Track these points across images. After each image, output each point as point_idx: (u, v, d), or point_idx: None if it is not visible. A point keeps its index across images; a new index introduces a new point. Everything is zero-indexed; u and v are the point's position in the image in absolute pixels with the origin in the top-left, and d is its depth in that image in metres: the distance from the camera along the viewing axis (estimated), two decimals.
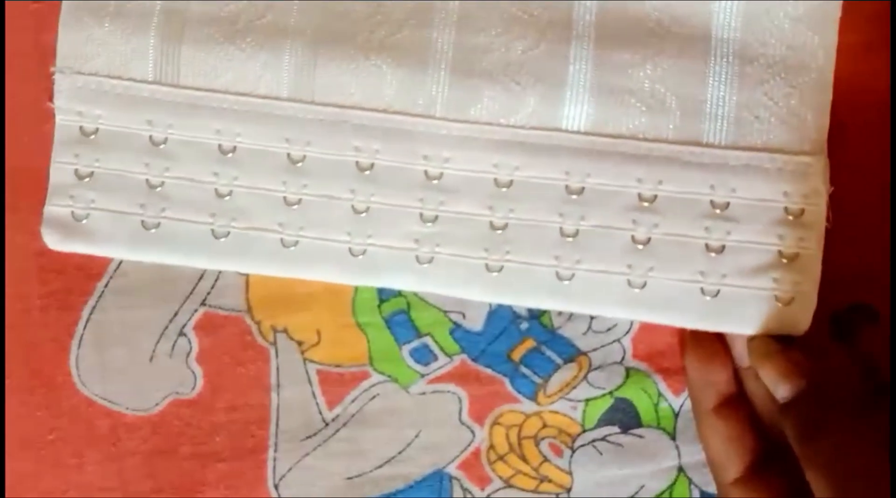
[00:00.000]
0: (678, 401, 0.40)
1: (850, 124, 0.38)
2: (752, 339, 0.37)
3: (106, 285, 0.40)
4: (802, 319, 0.37)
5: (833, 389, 0.35)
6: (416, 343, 0.40)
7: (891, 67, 0.39)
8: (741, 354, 0.38)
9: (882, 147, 0.39)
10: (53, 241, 0.38)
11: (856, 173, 0.38)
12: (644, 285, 0.37)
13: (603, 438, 0.40)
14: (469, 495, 0.40)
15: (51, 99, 0.38)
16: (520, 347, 0.40)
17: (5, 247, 0.39)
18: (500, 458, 0.40)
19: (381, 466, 0.40)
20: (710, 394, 0.38)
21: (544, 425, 0.40)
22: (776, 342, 0.37)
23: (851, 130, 0.38)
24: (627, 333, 0.40)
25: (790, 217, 0.37)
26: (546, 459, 0.40)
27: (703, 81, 0.37)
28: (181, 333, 0.40)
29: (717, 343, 0.38)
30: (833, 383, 0.35)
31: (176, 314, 0.40)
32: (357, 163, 0.38)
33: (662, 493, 0.40)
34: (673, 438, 0.40)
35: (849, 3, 0.37)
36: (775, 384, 0.36)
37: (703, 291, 0.37)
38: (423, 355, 0.40)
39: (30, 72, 0.39)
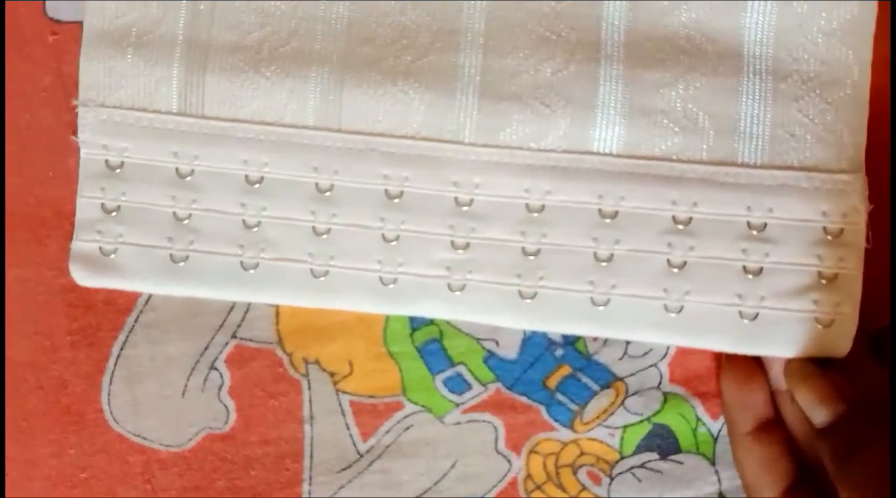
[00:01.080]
0: (717, 425, 0.39)
1: (887, 138, 0.38)
2: (789, 362, 0.37)
3: (136, 320, 0.39)
4: (843, 341, 0.36)
5: (870, 412, 0.34)
6: (449, 372, 0.39)
7: (891, 68, 0.38)
8: (778, 376, 0.37)
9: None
10: (81, 277, 0.38)
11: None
12: (681, 309, 0.37)
13: (642, 465, 0.39)
14: None
15: (75, 132, 0.38)
16: (555, 374, 0.39)
17: (33, 282, 0.39)
18: (538, 487, 0.40)
19: None
20: (746, 417, 0.37)
21: (582, 453, 0.40)
22: (813, 365, 0.36)
23: (888, 145, 0.38)
24: (664, 357, 0.39)
25: (829, 237, 0.36)
26: (584, 488, 0.40)
27: (737, 99, 0.37)
28: (212, 367, 0.40)
29: (753, 365, 0.38)
30: (870, 406, 0.35)
31: (207, 348, 0.39)
32: (386, 191, 0.37)
33: None
34: (712, 463, 0.39)
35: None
36: (812, 409, 0.35)
37: (741, 315, 0.37)
38: (458, 384, 0.40)
39: (52, 105, 0.39)
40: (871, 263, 0.36)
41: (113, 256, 0.38)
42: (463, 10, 0.37)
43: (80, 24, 0.38)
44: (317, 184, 0.37)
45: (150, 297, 0.39)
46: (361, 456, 0.40)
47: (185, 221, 0.38)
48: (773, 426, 0.37)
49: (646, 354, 0.39)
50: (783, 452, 0.37)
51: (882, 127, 0.37)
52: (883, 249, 0.37)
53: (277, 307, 0.39)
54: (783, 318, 0.36)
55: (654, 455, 0.39)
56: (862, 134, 0.37)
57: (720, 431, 0.39)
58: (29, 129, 0.39)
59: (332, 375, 0.40)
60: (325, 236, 0.37)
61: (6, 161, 0.39)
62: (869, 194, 0.36)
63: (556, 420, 0.39)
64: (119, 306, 0.39)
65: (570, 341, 0.39)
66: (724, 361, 0.38)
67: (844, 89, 0.37)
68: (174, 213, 0.38)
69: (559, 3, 0.37)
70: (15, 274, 0.39)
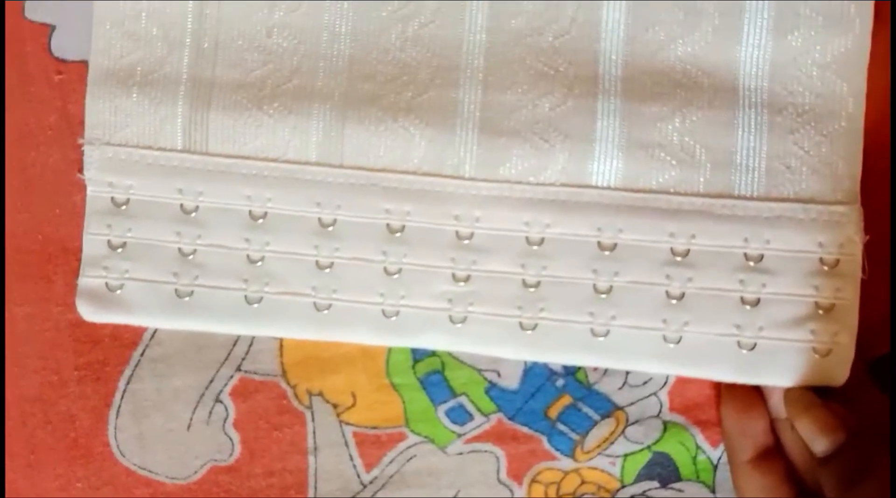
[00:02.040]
0: (716, 453, 0.40)
1: (882, 169, 0.38)
2: (789, 391, 0.37)
3: (142, 354, 0.40)
4: (840, 370, 0.37)
5: (871, 441, 0.35)
6: (451, 403, 0.40)
7: (891, 68, 0.38)
8: (777, 405, 0.37)
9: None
10: (88, 313, 0.38)
11: (889, 219, 0.38)
12: (679, 340, 0.37)
13: (642, 494, 0.40)
14: None
15: (81, 170, 0.38)
16: (556, 403, 0.40)
17: (41, 318, 0.40)
18: None
19: None
20: (746, 445, 0.38)
21: (583, 482, 0.40)
22: (814, 395, 0.36)
23: (882, 176, 0.38)
24: (664, 386, 0.40)
25: (825, 267, 0.37)
26: None
27: (733, 132, 0.37)
28: (217, 400, 0.40)
29: (753, 394, 0.38)
30: (871, 435, 0.35)
31: (212, 381, 0.40)
32: (388, 225, 0.38)
33: None
34: (713, 490, 0.40)
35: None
36: (813, 438, 0.35)
37: (739, 345, 0.37)
38: (460, 415, 0.40)
39: (58, 143, 0.39)
40: (867, 293, 0.37)
41: (119, 291, 0.38)
42: (462, 46, 0.38)
43: (85, 63, 0.38)
44: (320, 219, 0.38)
45: (155, 331, 0.40)
46: (365, 486, 0.40)
47: (190, 257, 0.38)
48: (773, 454, 0.38)
49: (645, 383, 0.40)
50: (783, 479, 0.37)
51: (877, 158, 0.38)
52: (879, 280, 0.37)
53: (281, 340, 0.40)
54: (781, 347, 0.37)
55: (655, 483, 0.40)
56: (857, 165, 0.37)
57: (720, 458, 0.40)
58: (35, 167, 0.39)
59: (335, 406, 0.40)
60: (328, 270, 0.38)
61: (14, 199, 0.39)
62: (865, 225, 0.37)
63: (557, 449, 0.40)
64: (125, 341, 0.40)
65: (571, 372, 0.40)
66: (723, 391, 0.39)
67: (839, 121, 0.37)
68: (179, 248, 0.38)
69: (557, 38, 0.38)
70: (23, 310, 0.40)
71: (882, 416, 0.36)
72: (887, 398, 0.37)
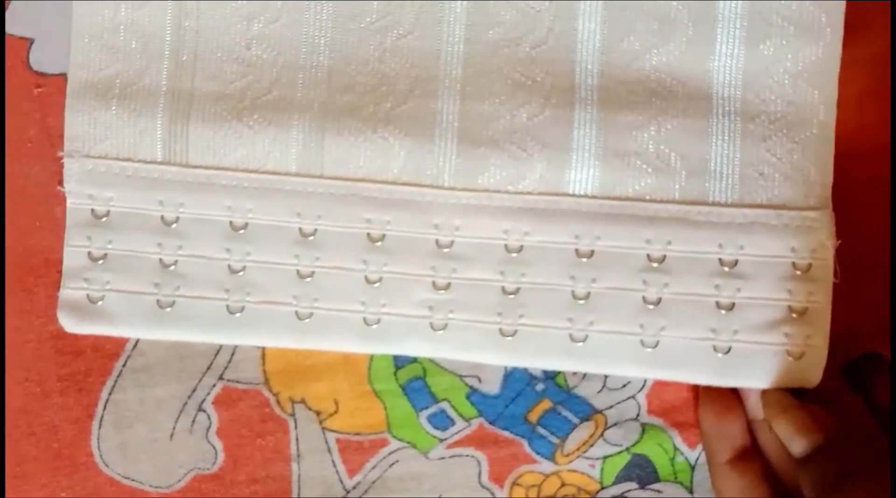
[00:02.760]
0: (694, 454, 0.40)
1: (852, 175, 0.39)
2: (766, 393, 0.38)
3: (124, 365, 0.40)
4: (814, 372, 0.37)
5: (850, 443, 0.35)
6: (433, 409, 0.40)
7: (891, 68, 0.39)
8: (755, 407, 0.38)
9: (884, 197, 0.39)
10: (70, 325, 0.38)
11: (860, 224, 0.39)
12: (657, 344, 0.38)
13: (621, 495, 0.41)
14: None
15: (61, 183, 0.38)
16: (536, 408, 0.40)
17: (23, 330, 0.40)
18: None
19: None
20: (724, 446, 0.38)
21: (563, 484, 0.40)
22: (791, 396, 0.37)
23: (853, 181, 0.39)
24: (641, 389, 0.40)
25: (798, 272, 0.37)
26: None
27: (707, 140, 0.38)
28: (200, 409, 0.40)
29: (730, 397, 0.39)
30: (850, 436, 0.36)
31: (194, 390, 0.40)
32: (368, 234, 0.38)
33: None
34: (690, 491, 0.41)
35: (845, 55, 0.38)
36: (791, 439, 0.36)
37: (715, 348, 0.38)
38: (441, 421, 0.40)
39: (38, 156, 0.40)
40: (839, 297, 0.37)
41: (100, 303, 0.38)
42: (440, 57, 0.38)
43: (64, 76, 0.38)
44: (300, 229, 0.38)
45: (137, 342, 0.40)
46: (348, 492, 0.41)
47: (172, 268, 0.38)
48: (750, 455, 0.38)
49: (624, 386, 0.40)
50: (760, 479, 0.38)
51: (847, 164, 0.38)
52: (851, 283, 0.38)
53: (263, 349, 0.40)
54: (756, 351, 0.37)
55: (634, 485, 0.41)
56: (828, 171, 0.38)
57: (697, 459, 0.40)
58: (16, 179, 0.40)
59: (318, 413, 0.40)
60: (309, 279, 0.38)
61: None
62: (836, 230, 0.37)
63: (537, 453, 0.40)
64: (107, 352, 0.40)
65: (551, 376, 0.40)
66: (701, 393, 0.39)
67: (811, 129, 0.38)
68: (160, 259, 0.38)
69: (534, 49, 0.38)
70: (6, 322, 0.40)
71: (859, 418, 0.37)
72: (861, 400, 0.38)
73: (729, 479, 0.38)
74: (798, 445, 0.36)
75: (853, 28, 0.38)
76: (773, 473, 0.38)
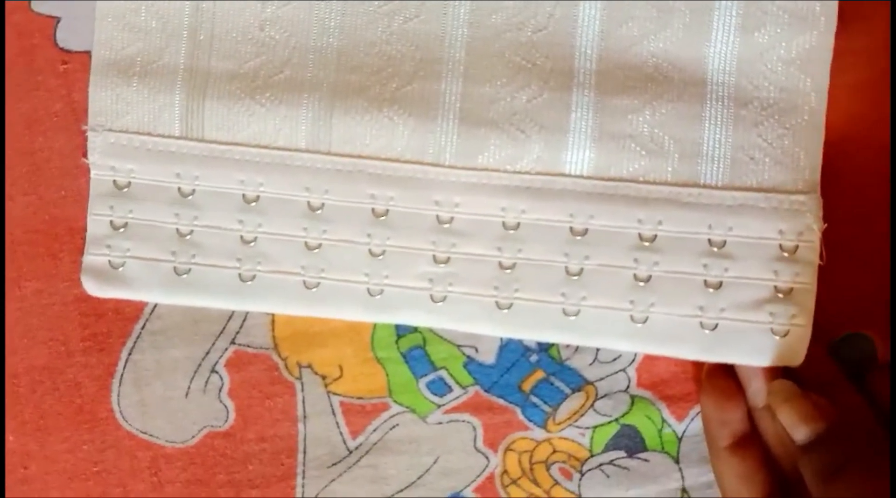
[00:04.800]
0: (681, 426, 0.42)
1: (844, 161, 0.40)
2: (771, 382, 0.38)
3: (142, 327, 0.42)
4: (798, 350, 0.38)
5: (850, 432, 0.36)
6: (432, 376, 0.42)
7: (891, 67, 0.40)
8: (756, 395, 0.39)
9: (877, 183, 0.40)
10: (93, 288, 0.41)
11: (850, 209, 0.40)
12: (646, 320, 0.39)
13: (610, 462, 0.42)
14: None
15: (85, 155, 0.40)
16: (530, 378, 0.42)
17: (49, 293, 0.42)
18: (514, 482, 0.42)
19: (401, 491, 0.42)
20: (724, 432, 0.39)
21: (554, 451, 0.42)
22: (795, 386, 0.38)
23: (845, 168, 0.40)
24: (632, 363, 0.42)
25: (785, 254, 0.38)
26: (556, 483, 0.42)
27: (700, 124, 0.39)
28: (213, 370, 0.42)
29: (731, 384, 0.39)
30: (849, 425, 0.36)
31: (208, 353, 0.42)
32: (373, 209, 0.40)
33: None
34: (676, 461, 0.42)
35: (842, 43, 0.38)
36: (794, 427, 0.37)
37: (702, 325, 0.39)
38: (439, 387, 0.42)
39: (64, 129, 0.42)
40: (823, 278, 0.38)
41: (121, 269, 0.40)
42: (445, 40, 0.40)
43: (89, 53, 0.40)
44: (308, 202, 0.40)
45: (155, 306, 0.42)
46: (351, 452, 0.43)
47: (188, 237, 0.40)
48: (750, 441, 0.39)
49: (615, 359, 0.42)
50: (760, 465, 0.39)
51: (839, 151, 0.39)
52: (835, 265, 0.39)
53: (273, 316, 0.42)
54: (742, 328, 0.39)
55: (622, 453, 0.42)
56: (817, 157, 0.39)
57: (685, 431, 0.42)
58: (42, 152, 0.42)
59: (323, 378, 0.42)
60: (316, 251, 0.40)
61: (22, 182, 0.42)
62: (823, 214, 0.38)
63: (530, 420, 0.42)
64: (127, 315, 0.42)
65: (544, 348, 0.42)
66: (703, 381, 0.40)
67: (802, 115, 0.39)
68: (177, 229, 0.40)
69: (535, 33, 0.39)
70: (33, 286, 0.42)
71: (857, 408, 0.38)
72: (855, 390, 0.38)
73: (729, 464, 0.39)
74: (801, 432, 0.36)
75: (850, 18, 0.39)
76: (772, 458, 0.39)
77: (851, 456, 0.36)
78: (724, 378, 0.40)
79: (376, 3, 0.40)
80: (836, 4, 0.38)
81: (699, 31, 0.39)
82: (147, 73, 0.40)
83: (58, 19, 0.41)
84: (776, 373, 0.39)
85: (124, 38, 0.40)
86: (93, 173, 0.40)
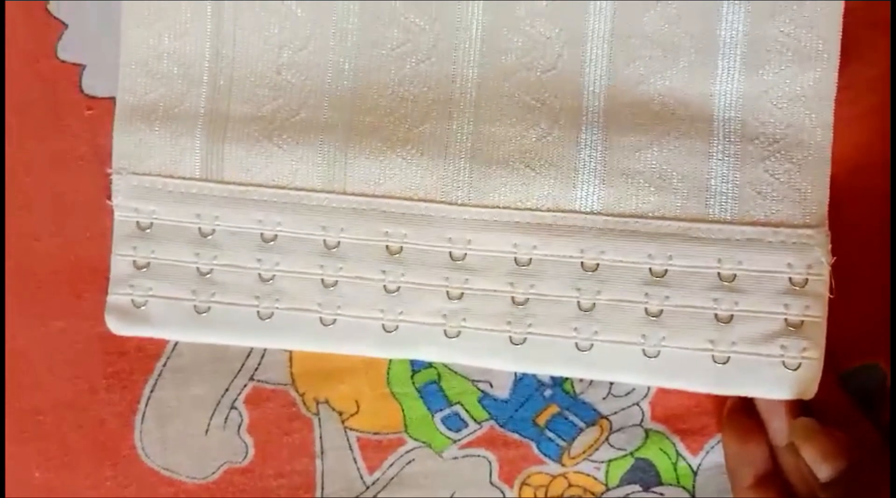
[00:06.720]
0: (696, 460, 0.42)
1: (849, 192, 0.40)
2: (794, 420, 0.39)
3: (164, 365, 0.43)
4: (811, 383, 0.39)
5: (869, 466, 0.36)
6: (447, 411, 0.43)
7: (891, 67, 0.40)
8: (777, 433, 0.39)
9: (881, 213, 0.41)
10: (116, 327, 0.42)
11: (856, 241, 0.40)
12: (658, 354, 0.39)
13: (626, 497, 0.42)
14: None
15: (109, 197, 0.41)
16: (544, 412, 0.42)
17: (73, 331, 0.43)
18: None
19: None
20: (747, 471, 0.40)
21: (570, 485, 0.42)
22: (816, 423, 0.38)
23: (850, 198, 0.40)
24: (645, 396, 0.42)
25: (795, 287, 0.39)
26: None
27: (707, 160, 0.40)
28: (232, 407, 0.43)
29: (753, 424, 0.40)
30: (867, 459, 0.37)
31: (227, 389, 0.43)
32: (387, 247, 0.40)
33: None
34: (692, 495, 0.42)
35: (844, 79, 0.39)
36: (818, 465, 0.37)
37: (714, 359, 0.39)
38: (455, 423, 0.43)
39: (89, 172, 0.43)
40: (834, 310, 0.39)
41: (143, 307, 0.41)
42: (456, 81, 0.41)
43: (113, 99, 0.41)
44: (325, 241, 0.41)
45: (176, 344, 0.43)
46: (368, 487, 0.43)
47: (208, 276, 0.41)
48: (772, 478, 0.39)
49: (628, 393, 0.42)
50: None
51: (844, 181, 0.40)
52: (846, 299, 0.39)
53: (291, 352, 0.43)
54: (753, 362, 0.39)
55: (637, 487, 0.42)
56: (824, 191, 0.39)
57: (700, 465, 0.42)
58: (68, 194, 0.43)
59: (340, 413, 0.43)
60: (332, 288, 0.41)
61: (48, 223, 0.43)
62: (832, 247, 0.39)
63: (545, 455, 0.42)
64: (149, 352, 0.43)
65: (558, 382, 0.42)
66: (724, 420, 0.41)
67: (808, 150, 0.39)
68: (197, 268, 0.41)
69: (544, 73, 0.40)
70: (57, 324, 0.43)
71: (873, 442, 0.38)
72: (867, 421, 0.39)
73: None
74: (824, 470, 0.37)
75: (853, 54, 0.39)
76: (793, 495, 0.39)
77: (870, 489, 0.36)
78: (745, 417, 0.40)
79: (389, 45, 0.41)
80: (838, 42, 0.39)
81: (704, 69, 0.40)
82: (169, 117, 0.41)
83: (83, 66, 0.43)
84: (796, 410, 0.39)
85: (147, 84, 0.41)
86: (116, 215, 0.41)
